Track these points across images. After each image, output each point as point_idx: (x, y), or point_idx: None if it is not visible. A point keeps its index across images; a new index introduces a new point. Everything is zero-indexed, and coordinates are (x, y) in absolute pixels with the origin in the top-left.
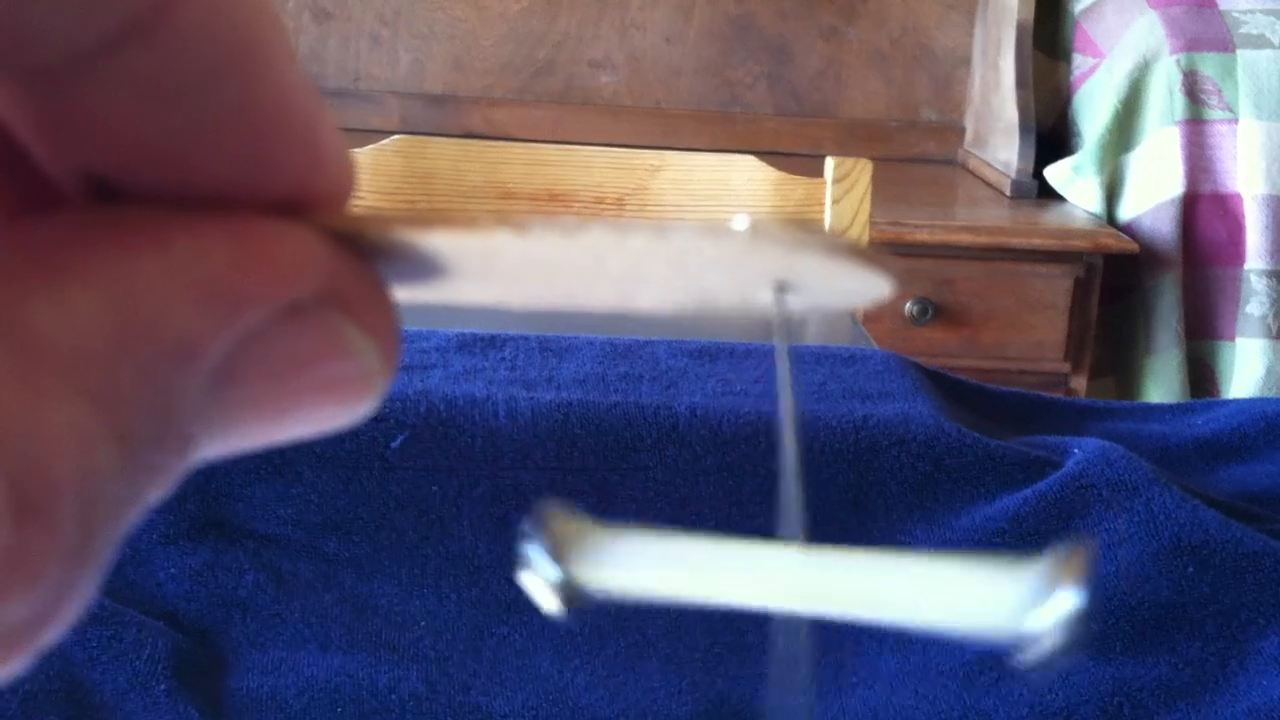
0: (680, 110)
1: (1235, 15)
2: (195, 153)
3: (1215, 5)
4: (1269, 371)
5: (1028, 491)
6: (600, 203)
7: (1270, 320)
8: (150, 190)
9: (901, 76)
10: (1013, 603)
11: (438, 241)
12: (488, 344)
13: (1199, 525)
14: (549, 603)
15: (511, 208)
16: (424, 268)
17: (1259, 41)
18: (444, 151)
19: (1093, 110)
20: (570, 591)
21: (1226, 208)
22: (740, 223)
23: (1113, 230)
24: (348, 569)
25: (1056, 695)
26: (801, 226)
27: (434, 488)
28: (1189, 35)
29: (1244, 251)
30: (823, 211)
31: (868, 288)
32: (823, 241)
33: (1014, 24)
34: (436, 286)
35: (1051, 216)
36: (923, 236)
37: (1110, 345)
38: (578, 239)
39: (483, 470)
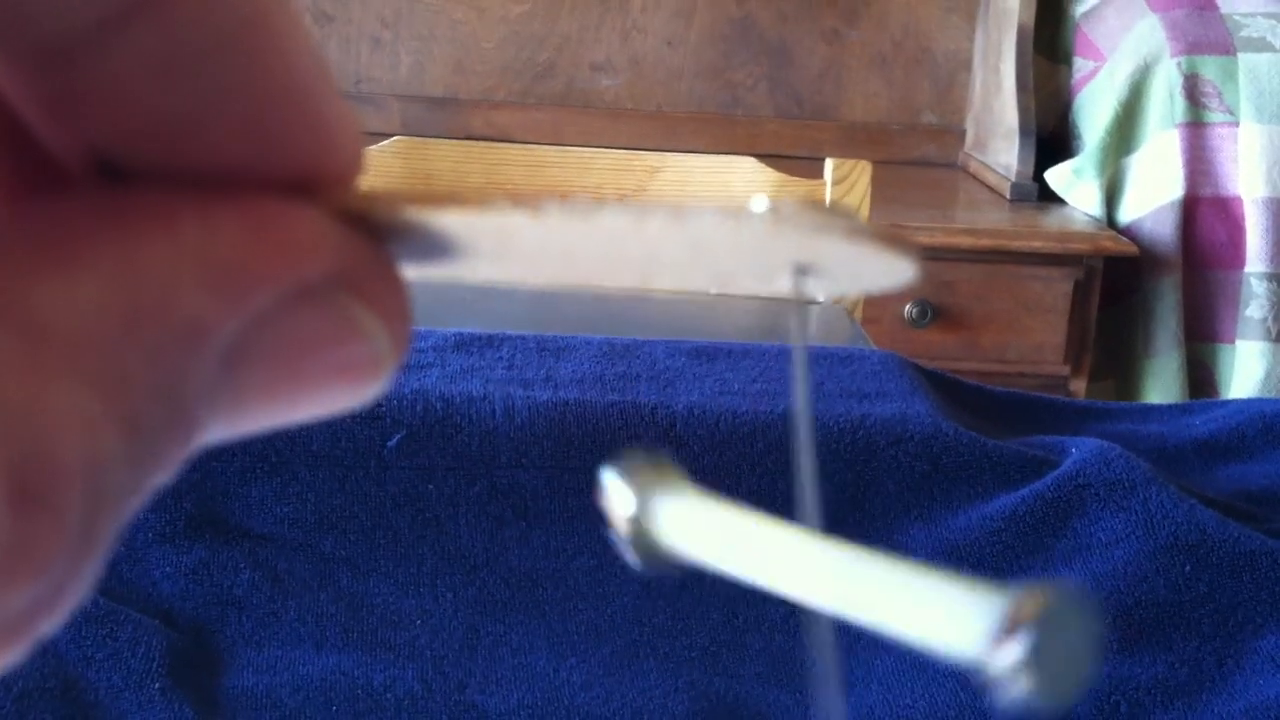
0: (681, 113)
1: (1236, 18)
2: (202, 131)
3: (1216, 8)
4: (1269, 374)
5: (1025, 491)
6: None
7: (1270, 323)
8: (157, 170)
9: (902, 79)
10: (970, 631)
11: (450, 222)
12: (485, 343)
13: (1196, 524)
14: (624, 541)
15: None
16: (436, 248)
17: (1260, 45)
18: (444, 153)
19: (1093, 113)
20: (642, 535)
21: (1227, 211)
22: (759, 205)
23: (1112, 233)
24: (343, 568)
25: None
26: (822, 209)
27: (430, 487)
28: (1190, 38)
29: (1244, 254)
30: None
31: (890, 272)
32: (844, 225)
33: (1015, 27)
34: (449, 266)
35: (1051, 219)
36: (922, 239)
37: (1110, 348)
38: (594, 222)
39: (479, 469)
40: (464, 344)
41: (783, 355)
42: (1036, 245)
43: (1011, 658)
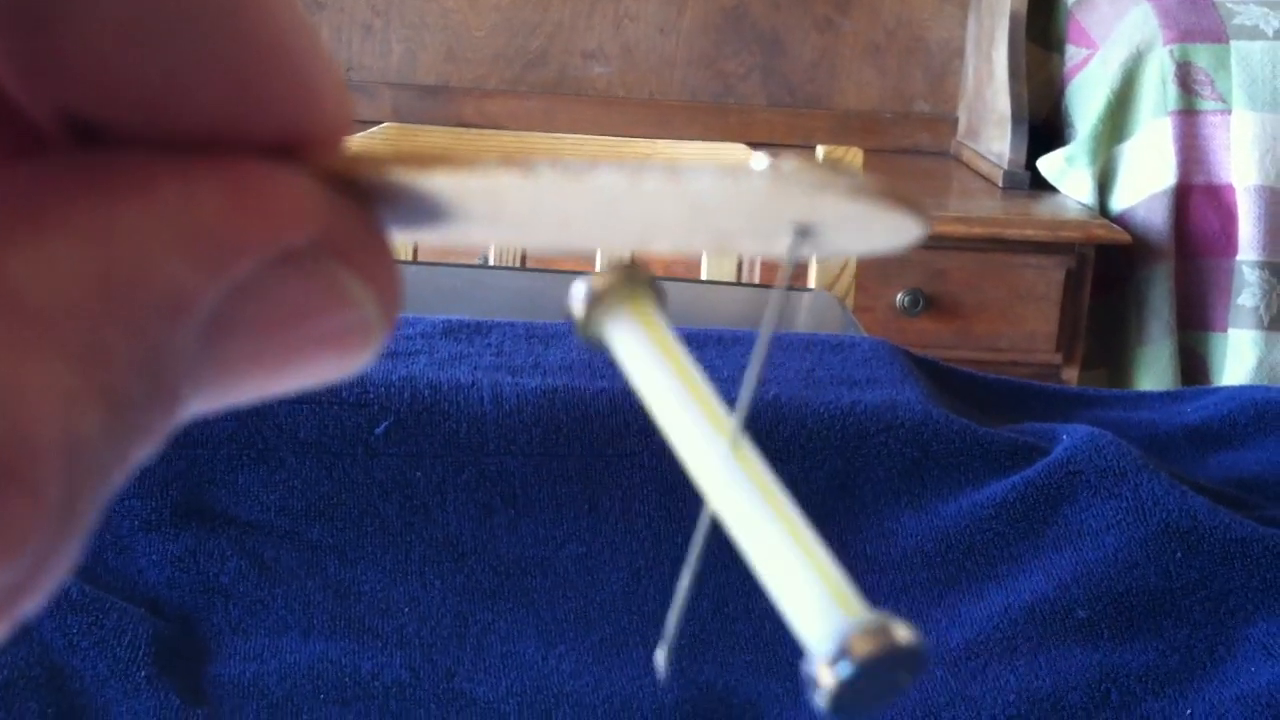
0: (673, 101)
1: (1228, 6)
2: (181, 91)
3: None
4: (1260, 362)
5: (1016, 478)
6: None
7: (1262, 311)
8: (136, 133)
9: (895, 68)
10: (810, 629)
11: (439, 183)
12: (474, 330)
13: (1187, 511)
14: (577, 319)
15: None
16: (426, 210)
17: (1252, 32)
18: (434, 140)
19: (1086, 101)
20: (590, 329)
21: (1219, 199)
22: (759, 163)
23: (1105, 221)
24: (331, 555)
25: (1044, 681)
26: (824, 167)
27: (418, 474)
28: (1182, 26)
29: (1236, 243)
30: None
31: (895, 231)
32: (846, 183)
33: (1007, 15)
34: (440, 229)
35: (1044, 208)
36: None
37: (1102, 336)
38: (587, 181)
39: (467, 456)
40: (452, 331)
41: (772, 343)
42: (1029, 233)
43: (827, 679)
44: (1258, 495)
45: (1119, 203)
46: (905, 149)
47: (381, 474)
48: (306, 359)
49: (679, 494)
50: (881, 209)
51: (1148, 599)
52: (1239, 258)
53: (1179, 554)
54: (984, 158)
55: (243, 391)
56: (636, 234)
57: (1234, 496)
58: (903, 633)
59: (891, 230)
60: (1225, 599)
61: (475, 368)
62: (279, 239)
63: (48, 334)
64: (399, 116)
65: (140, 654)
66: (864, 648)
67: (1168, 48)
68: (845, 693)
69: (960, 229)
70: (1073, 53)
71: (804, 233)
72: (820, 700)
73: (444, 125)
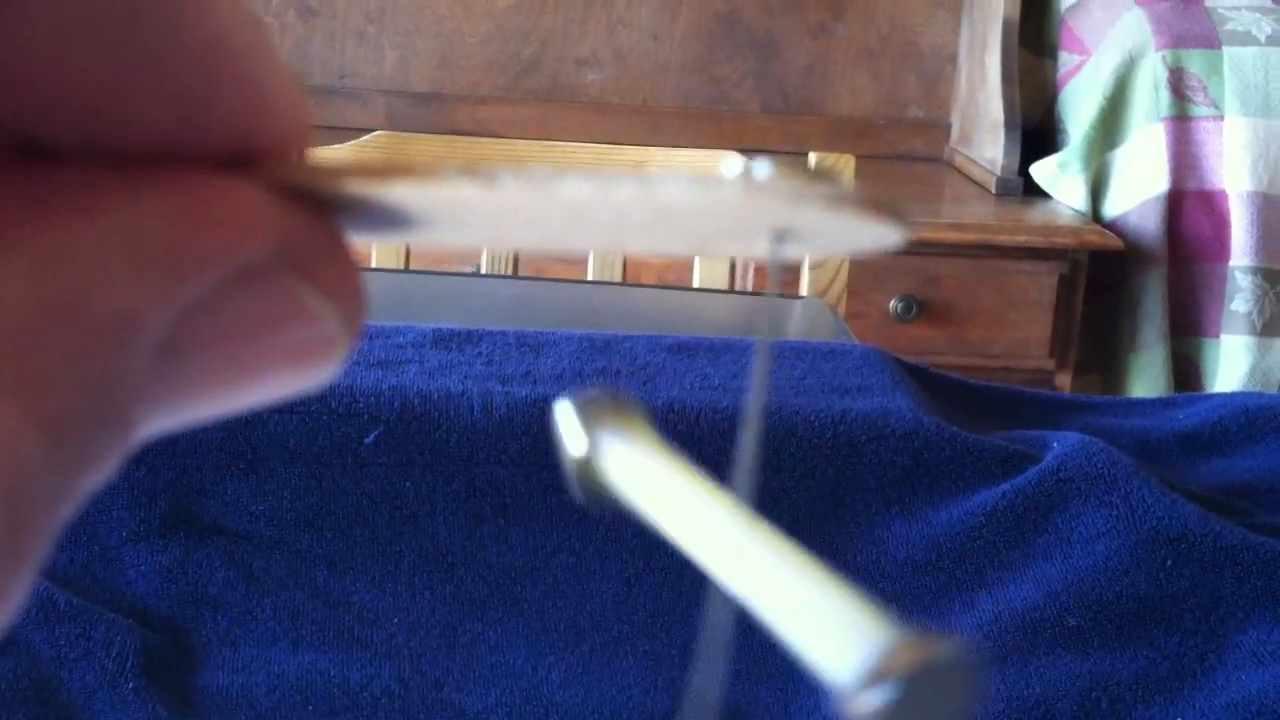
0: (667, 108)
1: (1221, 12)
2: (123, 101)
3: (1201, 2)
4: (1253, 368)
5: (1006, 486)
6: None
7: (1255, 317)
8: (78, 147)
9: (888, 74)
10: (843, 662)
11: (399, 194)
12: (464, 339)
13: (1178, 519)
14: (569, 475)
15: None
16: (389, 219)
17: (1244, 38)
18: (425, 148)
19: (1078, 107)
20: (587, 471)
21: (1212, 204)
22: (732, 169)
23: (1098, 227)
24: (320, 565)
25: (1034, 689)
26: (800, 174)
27: (408, 484)
28: (1175, 32)
29: (1229, 248)
30: None
31: (876, 236)
32: (823, 192)
33: (1000, 21)
34: (406, 236)
35: (1037, 213)
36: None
37: (1095, 342)
38: (553, 192)
39: (457, 466)
40: (442, 340)
41: (764, 350)
42: (1022, 239)
43: (867, 706)
44: (1249, 502)
45: (1112, 208)
46: (899, 155)
47: (371, 484)
48: (268, 373)
49: None
50: (860, 217)
51: (1138, 607)
52: (1232, 263)
53: (1170, 562)
54: (977, 163)
55: (205, 407)
56: (609, 237)
57: (1225, 504)
58: (937, 645)
59: (871, 235)
60: (1216, 607)
61: (465, 377)
62: (232, 256)
63: None
64: (392, 124)
65: (128, 665)
66: (904, 661)
67: (1160, 54)
68: (894, 717)
69: (953, 235)
70: (1065, 59)
71: (783, 237)
72: None
73: (437, 133)
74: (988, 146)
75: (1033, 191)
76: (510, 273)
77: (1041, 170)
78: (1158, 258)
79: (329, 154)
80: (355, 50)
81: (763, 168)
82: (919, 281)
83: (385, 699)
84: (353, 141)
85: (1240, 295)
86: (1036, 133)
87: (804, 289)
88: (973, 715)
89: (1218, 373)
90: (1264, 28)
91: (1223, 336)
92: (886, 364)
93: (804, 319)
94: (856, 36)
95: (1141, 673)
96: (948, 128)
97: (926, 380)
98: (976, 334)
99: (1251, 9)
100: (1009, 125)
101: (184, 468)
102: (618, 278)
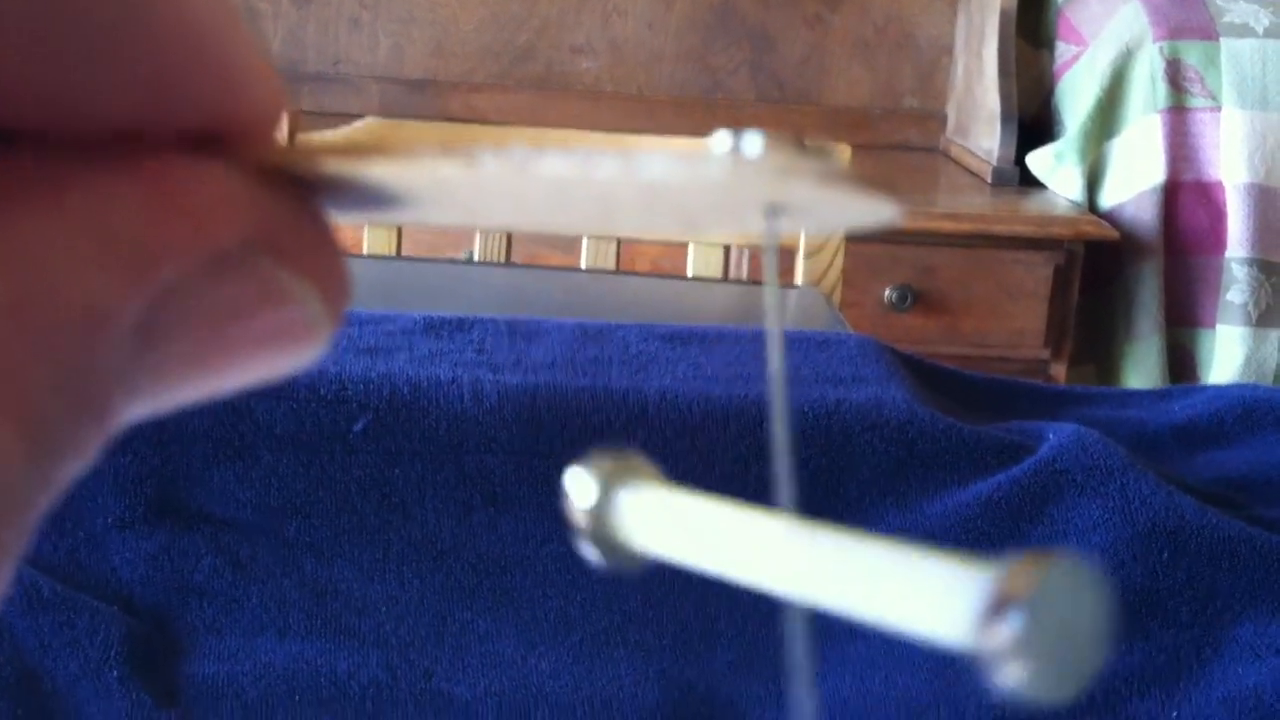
0: (661, 97)
1: (1218, 3)
2: (84, 84)
3: None
4: (1248, 359)
5: (1001, 477)
6: None
7: (1250, 308)
8: (40, 133)
9: (885, 64)
10: (955, 613)
11: (378, 175)
12: (455, 327)
13: (1174, 511)
14: (584, 536)
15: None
16: (369, 199)
17: (1242, 30)
18: (416, 134)
19: (1075, 98)
20: (602, 530)
21: (1208, 196)
22: (721, 144)
23: (1094, 218)
24: (307, 554)
25: None
26: (790, 150)
27: (396, 471)
28: (1172, 23)
29: (1225, 240)
30: None
31: (870, 212)
32: (815, 169)
33: (997, 12)
34: (387, 214)
35: (1033, 204)
36: (904, 223)
37: (1090, 333)
38: (532, 171)
39: (447, 454)
40: (433, 327)
41: (758, 339)
42: (1018, 230)
43: (1001, 640)
44: (1245, 494)
45: (1108, 199)
46: (894, 145)
47: (359, 471)
48: (249, 357)
49: None
50: (852, 193)
51: (1134, 599)
52: (1228, 255)
53: (1166, 554)
54: (973, 154)
55: (185, 392)
56: (596, 216)
57: (1222, 496)
58: (1052, 560)
59: (865, 211)
60: (1212, 600)
61: (456, 364)
62: (204, 241)
63: None
64: (386, 111)
65: (113, 654)
66: (1022, 583)
67: (1157, 45)
68: (1032, 646)
69: (949, 225)
70: (1062, 50)
71: (775, 212)
72: (1012, 671)
73: (430, 120)
74: (984, 137)
75: (1028, 182)
76: (503, 260)
77: (1038, 161)
78: (1153, 249)
79: (309, 136)
80: (349, 37)
81: (752, 142)
82: (914, 272)
83: (373, 688)
84: (342, 128)
85: (1236, 286)
86: (1033, 124)
87: (798, 278)
88: (1109, 624)
89: (1213, 364)
90: (1262, 19)
91: (1218, 327)
92: (881, 354)
93: (798, 309)
94: (852, 27)
95: (1137, 666)
96: (944, 118)
97: (921, 370)
98: (971, 324)
99: (1249, 0)
100: (1005, 116)
101: (170, 454)
102: (611, 266)
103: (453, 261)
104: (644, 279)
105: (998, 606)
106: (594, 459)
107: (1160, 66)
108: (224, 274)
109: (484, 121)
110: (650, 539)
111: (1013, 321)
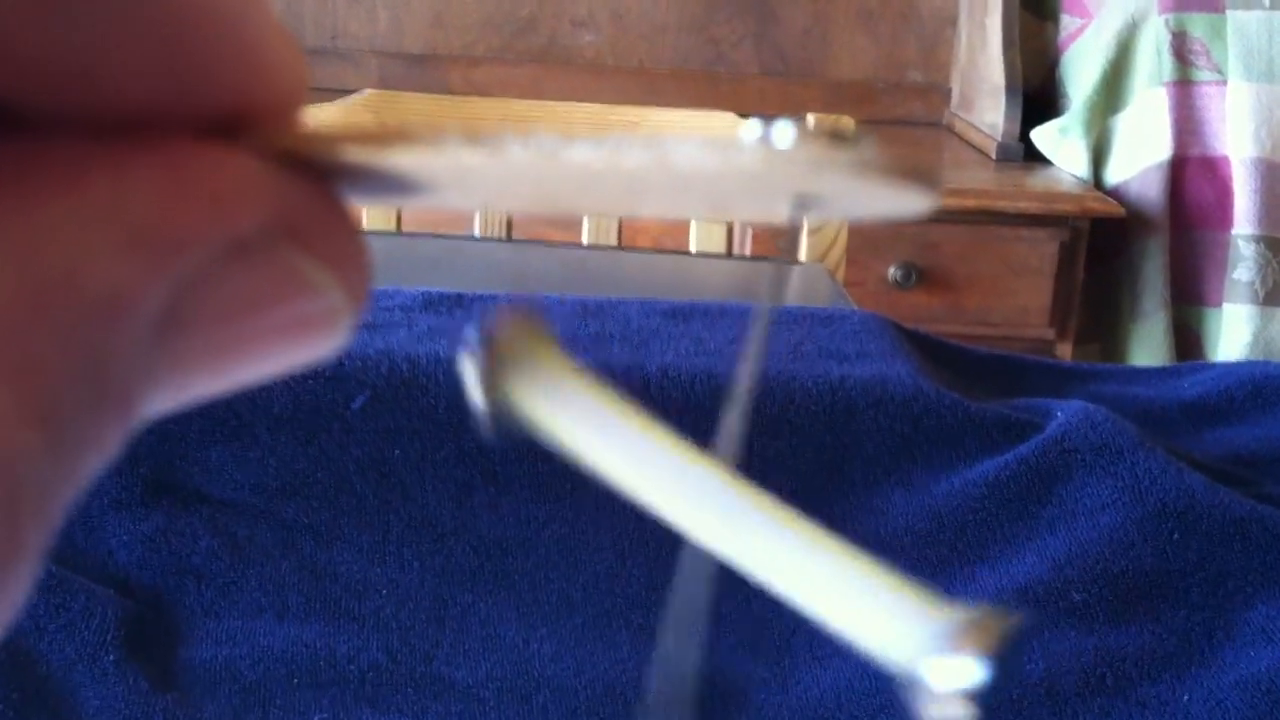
0: (663, 70)
1: None
2: (105, 65)
3: None
4: (1256, 337)
5: (1008, 455)
6: None
7: (1257, 286)
8: (61, 117)
9: (888, 37)
10: (909, 641)
11: (400, 162)
12: (454, 303)
13: (1184, 490)
14: (475, 396)
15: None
16: (389, 185)
17: (1249, 2)
18: (415, 107)
19: (1080, 72)
20: (498, 406)
21: (1214, 171)
22: (751, 132)
23: (1099, 194)
24: (306, 535)
25: (1037, 665)
26: (824, 141)
27: (396, 450)
28: None
29: (1232, 216)
30: None
31: (905, 202)
32: (850, 160)
33: None
34: (407, 200)
35: (1037, 180)
36: None
37: (1096, 310)
38: (560, 160)
39: (447, 433)
40: (432, 303)
41: (760, 315)
42: (1022, 206)
43: (957, 686)
44: (1256, 472)
45: (1113, 175)
46: (898, 119)
47: (358, 450)
48: (270, 349)
49: None
50: (890, 184)
51: (1144, 580)
52: (1234, 231)
53: (1176, 534)
54: (977, 129)
55: (206, 384)
56: (621, 201)
57: (1232, 474)
58: (1003, 618)
59: (900, 201)
60: (1224, 581)
61: (455, 341)
62: (226, 229)
63: None
64: (385, 85)
65: (109, 637)
66: (985, 636)
67: (1163, 17)
68: (975, 699)
69: (953, 201)
70: (1067, 22)
71: (805, 203)
72: (955, 710)
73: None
74: (988, 111)
75: (1033, 157)
76: (504, 236)
77: (1042, 136)
78: (1159, 225)
79: (321, 116)
80: (347, 10)
81: (784, 132)
82: (918, 248)
83: (372, 672)
84: (340, 101)
85: (1243, 264)
86: (1038, 97)
87: (802, 255)
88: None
89: (1219, 342)
90: None
91: (1225, 305)
92: (885, 329)
93: (802, 285)
94: None
95: (1147, 648)
96: (947, 92)
97: (926, 346)
98: (976, 302)
99: None
100: (1010, 90)
101: (166, 434)
102: (613, 242)
103: (453, 237)
104: (646, 254)
105: (962, 656)
106: (496, 326)
107: (1166, 39)
108: (246, 262)
109: (485, 96)
110: (553, 428)
111: (1017, 299)
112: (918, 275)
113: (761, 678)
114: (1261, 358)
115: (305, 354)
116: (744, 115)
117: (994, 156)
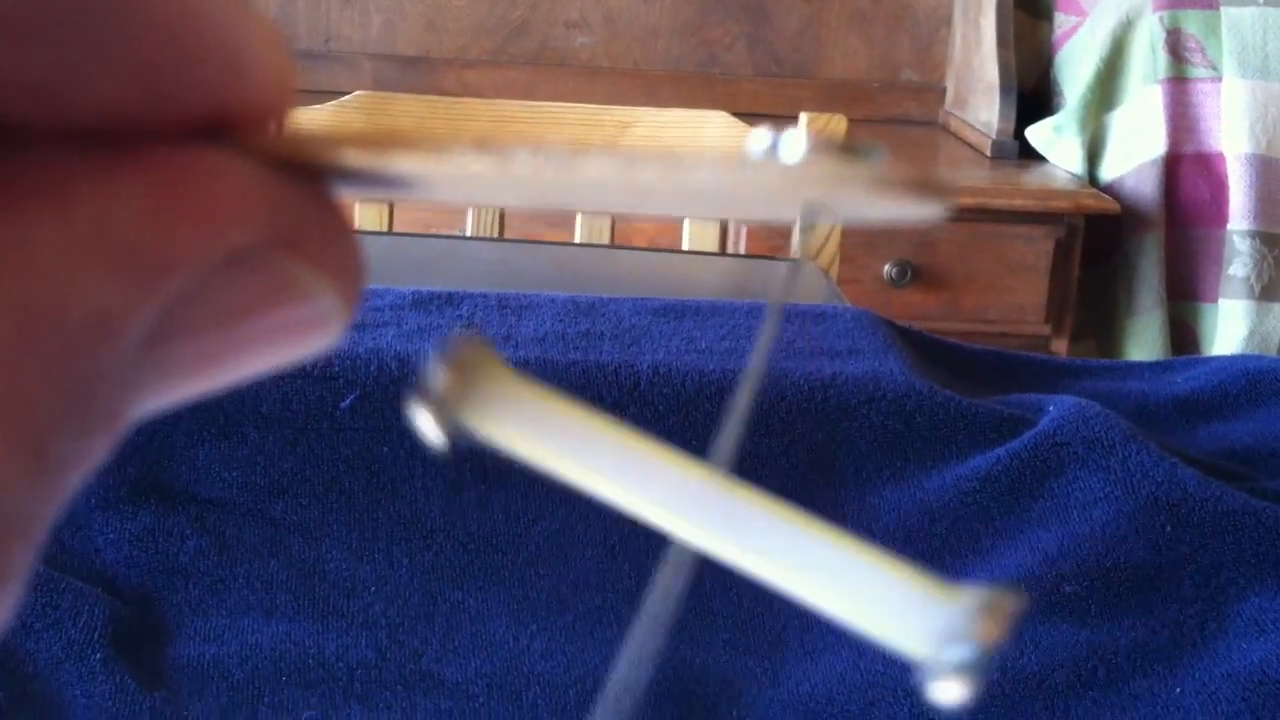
0: (657, 71)
1: None
2: (82, 71)
3: None
4: (1251, 333)
5: (1001, 450)
6: None
7: (1253, 282)
8: (42, 132)
9: (882, 37)
10: (921, 628)
11: (400, 167)
12: (444, 301)
13: (1177, 483)
14: (430, 432)
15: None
16: (387, 185)
17: None
18: (408, 108)
19: (1075, 69)
20: (454, 425)
21: (1209, 168)
22: (759, 141)
23: (1094, 191)
24: (295, 533)
25: (1030, 659)
26: (838, 156)
27: (385, 449)
28: None
29: (1227, 212)
30: None
31: (917, 210)
32: (864, 176)
33: None
34: (398, 195)
35: (1032, 177)
36: None
37: (1092, 307)
38: (572, 173)
39: None
40: (422, 302)
41: (751, 313)
42: (1017, 204)
43: (962, 669)
44: (1250, 467)
45: (1108, 172)
46: (892, 118)
47: (347, 449)
48: (260, 353)
49: None
50: (904, 198)
51: (1137, 574)
52: (1230, 227)
53: (1169, 528)
54: (972, 127)
55: (195, 388)
56: (626, 205)
57: (1226, 468)
58: (1009, 598)
59: (910, 210)
60: (1216, 574)
61: (444, 339)
62: (218, 244)
63: None
64: (379, 88)
65: (96, 636)
66: (998, 619)
67: (1157, 14)
68: (979, 679)
69: None
70: (1061, 20)
71: (815, 213)
72: (951, 696)
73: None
74: (983, 110)
75: (1028, 155)
76: (495, 235)
77: (1037, 133)
78: (1155, 222)
79: (313, 118)
80: (341, 13)
81: (794, 146)
82: (913, 246)
83: (361, 669)
84: (333, 103)
85: (1238, 259)
86: (1032, 96)
87: (795, 253)
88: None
89: (1215, 338)
90: None
91: (1220, 301)
92: (878, 327)
93: (796, 283)
94: None
95: (1140, 642)
96: (942, 91)
97: (919, 343)
98: (971, 299)
99: None
100: (1004, 88)
101: (154, 432)
102: (606, 240)
103: (444, 237)
104: (638, 253)
105: (968, 639)
106: (449, 351)
107: (1160, 36)
108: (238, 273)
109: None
110: (512, 440)
111: (1013, 296)
112: (913, 273)
113: (753, 673)
114: (1258, 353)
115: (296, 355)
116: (738, 116)
117: (989, 155)
